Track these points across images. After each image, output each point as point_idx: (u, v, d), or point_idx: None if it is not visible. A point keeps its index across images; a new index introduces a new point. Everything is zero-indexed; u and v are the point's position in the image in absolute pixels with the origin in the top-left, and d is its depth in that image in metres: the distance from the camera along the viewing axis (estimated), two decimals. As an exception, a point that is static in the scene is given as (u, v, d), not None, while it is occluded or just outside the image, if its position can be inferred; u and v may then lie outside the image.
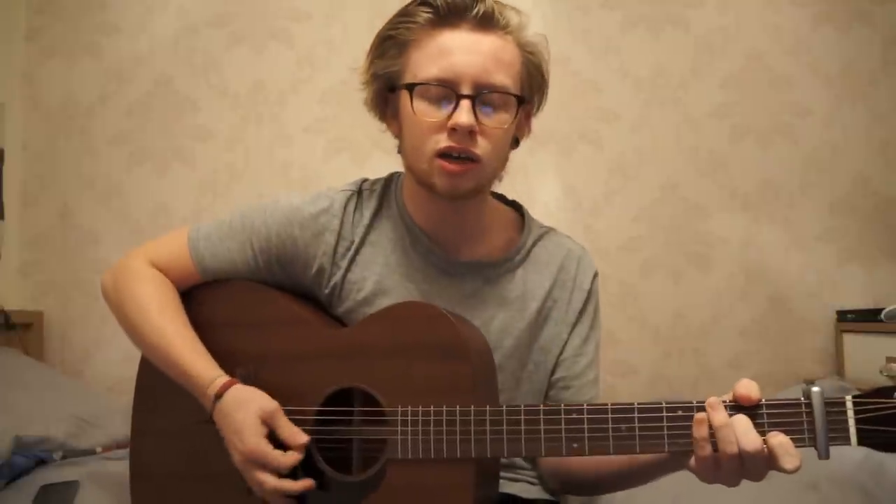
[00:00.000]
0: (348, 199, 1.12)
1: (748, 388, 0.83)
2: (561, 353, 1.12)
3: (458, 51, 0.97)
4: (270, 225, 1.10)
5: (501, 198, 1.19)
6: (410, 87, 0.99)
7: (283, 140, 2.41)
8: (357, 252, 1.10)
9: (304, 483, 0.96)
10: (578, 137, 2.32)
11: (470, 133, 0.97)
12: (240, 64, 2.44)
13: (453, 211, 1.07)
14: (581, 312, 1.14)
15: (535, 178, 2.30)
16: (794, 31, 2.29)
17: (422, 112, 0.98)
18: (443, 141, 0.97)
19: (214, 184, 2.41)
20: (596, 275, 1.17)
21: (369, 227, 1.11)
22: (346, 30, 2.40)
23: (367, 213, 1.11)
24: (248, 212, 1.13)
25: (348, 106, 2.35)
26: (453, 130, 0.96)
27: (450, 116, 0.97)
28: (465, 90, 0.97)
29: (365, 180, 1.16)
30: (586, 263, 1.17)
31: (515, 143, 1.09)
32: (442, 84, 0.97)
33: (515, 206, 1.19)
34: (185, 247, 1.13)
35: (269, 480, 0.95)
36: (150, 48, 2.47)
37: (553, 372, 1.12)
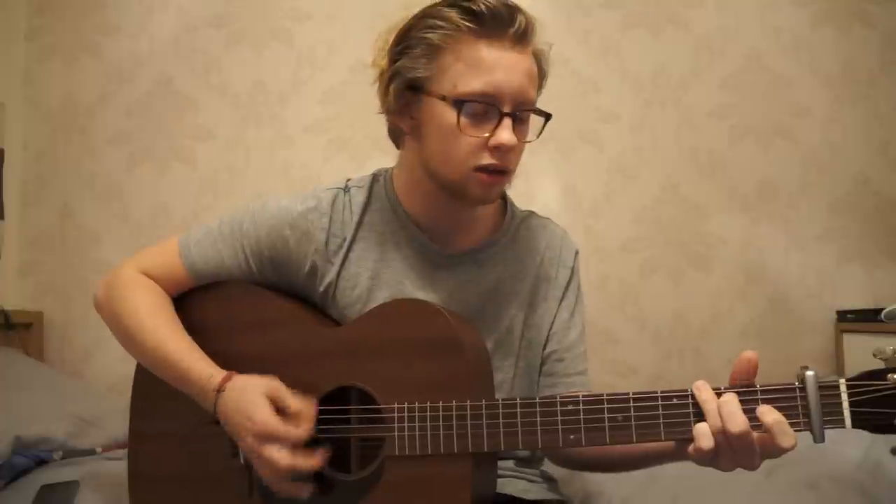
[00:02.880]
0: (335, 197, 1.13)
1: (751, 352, 0.85)
2: (551, 327, 1.15)
3: (501, 68, 0.98)
4: (260, 227, 1.11)
5: None
6: (459, 104, 0.98)
7: (284, 140, 2.41)
8: (349, 249, 1.11)
9: (319, 456, 0.95)
10: (578, 137, 2.32)
11: (511, 149, 1.00)
12: (240, 64, 2.44)
13: (454, 207, 1.08)
14: (567, 287, 1.17)
15: (535, 178, 2.30)
16: (793, 31, 2.29)
17: (466, 128, 0.99)
18: (485, 158, 1.00)
19: (215, 184, 2.41)
20: (577, 253, 1.21)
21: (359, 224, 1.12)
22: (346, 30, 2.40)
23: (357, 210, 1.12)
24: (238, 215, 1.14)
25: (348, 106, 2.36)
26: (496, 148, 0.99)
27: (491, 133, 0.98)
28: (507, 108, 0.99)
29: (349, 179, 1.17)
30: (568, 242, 1.21)
31: None
32: (486, 101, 0.98)
33: None
34: (176, 254, 1.14)
35: (284, 457, 0.93)
36: (150, 48, 2.47)
37: (545, 346, 1.14)
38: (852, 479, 1.31)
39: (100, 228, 2.44)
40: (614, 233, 2.28)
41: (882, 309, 1.98)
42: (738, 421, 0.81)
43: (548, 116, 1.05)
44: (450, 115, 0.99)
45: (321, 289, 1.11)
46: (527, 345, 1.13)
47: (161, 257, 1.15)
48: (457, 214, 1.10)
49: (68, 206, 2.46)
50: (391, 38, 1.05)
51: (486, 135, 0.99)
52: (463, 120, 0.99)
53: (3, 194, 2.40)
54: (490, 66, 0.98)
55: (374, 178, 1.16)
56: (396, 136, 1.12)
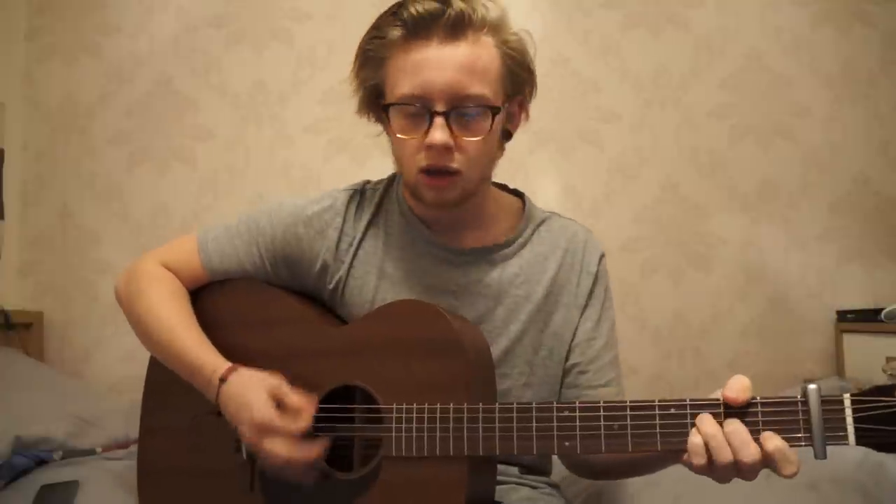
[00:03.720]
0: (350, 198, 1.14)
1: (736, 391, 0.82)
2: (573, 338, 1.11)
3: (429, 66, 0.97)
4: (276, 225, 1.13)
5: (504, 187, 1.20)
6: (385, 108, 1.01)
7: (284, 140, 2.41)
8: (359, 248, 1.11)
9: (318, 447, 0.96)
10: (578, 137, 2.32)
11: (446, 149, 0.97)
12: (240, 64, 2.44)
13: (451, 212, 1.07)
14: (590, 295, 1.13)
15: (535, 178, 2.30)
16: (793, 31, 2.29)
17: (400, 130, 1.00)
18: (422, 159, 0.99)
19: (214, 184, 2.41)
20: (602, 256, 1.17)
21: (370, 224, 1.13)
22: (346, 30, 2.40)
23: (369, 211, 1.13)
24: (255, 214, 1.16)
25: (348, 106, 2.34)
26: (429, 148, 0.97)
27: (426, 134, 0.97)
28: (439, 107, 0.97)
29: (368, 181, 1.18)
30: (592, 245, 1.16)
31: (508, 135, 1.10)
32: (415, 102, 0.98)
33: (518, 194, 1.20)
34: (195, 249, 1.16)
35: (282, 449, 0.94)
36: (150, 48, 2.47)
37: (567, 358, 1.11)
38: (853, 480, 1.30)
39: (100, 228, 2.43)
40: (614, 233, 2.28)
41: (882, 309, 1.99)
42: (750, 451, 0.79)
43: (494, 110, 1.00)
44: (388, 120, 1.01)
45: (330, 287, 1.12)
46: (546, 354, 1.10)
47: (180, 253, 1.17)
48: (458, 211, 1.08)
49: (68, 206, 2.46)
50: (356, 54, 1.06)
51: (419, 137, 0.98)
52: (396, 122, 1.00)
53: (3, 194, 2.40)
54: (417, 67, 0.97)
55: (391, 179, 1.17)
56: None
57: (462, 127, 0.98)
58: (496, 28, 1.00)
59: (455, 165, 0.99)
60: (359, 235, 1.12)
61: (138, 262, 1.18)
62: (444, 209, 1.04)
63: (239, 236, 1.14)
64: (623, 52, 2.33)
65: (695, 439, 0.82)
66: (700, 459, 0.81)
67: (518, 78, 1.04)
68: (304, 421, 0.96)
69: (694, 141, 2.29)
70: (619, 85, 2.33)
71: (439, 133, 0.96)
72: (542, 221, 1.16)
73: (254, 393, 0.97)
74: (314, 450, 0.96)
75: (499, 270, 1.11)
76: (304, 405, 0.97)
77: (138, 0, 2.49)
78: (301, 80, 2.42)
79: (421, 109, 0.97)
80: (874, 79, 2.25)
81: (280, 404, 0.97)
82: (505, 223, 1.14)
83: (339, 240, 1.11)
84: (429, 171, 0.99)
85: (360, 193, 1.15)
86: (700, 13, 2.32)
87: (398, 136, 1.00)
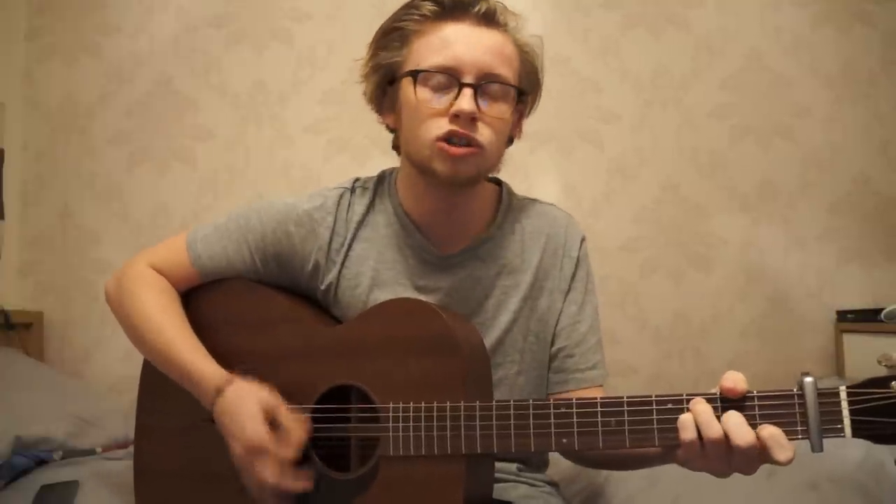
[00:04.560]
0: (341, 196, 1.13)
1: (734, 381, 0.82)
2: (558, 322, 1.13)
3: (461, 42, 1.00)
4: (266, 223, 1.12)
5: None
6: (414, 74, 1.01)
7: (284, 140, 2.41)
8: (350, 248, 1.11)
9: (304, 482, 0.95)
10: (578, 137, 2.32)
11: (472, 119, 0.99)
12: (240, 64, 2.44)
13: (449, 202, 1.08)
14: (573, 279, 1.15)
15: (535, 178, 2.30)
16: (793, 31, 2.29)
17: (424, 99, 1.00)
18: (444, 126, 0.99)
19: (214, 184, 2.41)
20: (583, 239, 1.18)
21: (361, 223, 1.12)
22: (346, 30, 2.40)
23: (360, 210, 1.13)
24: (245, 212, 1.15)
25: (349, 106, 2.36)
26: (455, 116, 0.98)
27: (452, 103, 0.99)
28: (468, 79, 0.99)
29: (357, 179, 1.17)
30: (573, 230, 1.18)
31: (509, 141, 1.11)
32: (445, 72, 0.99)
33: (496, 182, 1.20)
34: (184, 250, 1.15)
35: (271, 474, 0.94)
36: (150, 48, 2.47)
37: (553, 343, 1.13)
38: (854, 480, 1.30)
39: (100, 228, 2.43)
40: (614, 233, 2.28)
41: (882, 309, 1.99)
42: (744, 434, 0.78)
43: (520, 91, 1.05)
44: (412, 89, 1.01)
45: (323, 287, 1.12)
46: (534, 339, 1.12)
47: (170, 253, 1.16)
48: (452, 212, 1.09)
49: (68, 206, 2.46)
50: (375, 37, 1.08)
51: (444, 105, 0.99)
52: (421, 91, 1.00)
53: (3, 194, 2.40)
54: (451, 41, 1.01)
55: (380, 178, 1.17)
56: (395, 140, 1.12)
57: (486, 104, 1.01)
58: (516, 32, 1.06)
59: (479, 138, 1.00)
60: (350, 235, 1.11)
61: (128, 264, 1.17)
62: (454, 185, 1.04)
63: (228, 235, 1.14)
64: (623, 52, 2.33)
65: (684, 416, 0.83)
66: (688, 434, 0.81)
67: (529, 80, 1.08)
68: (296, 447, 0.95)
69: (694, 141, 2.29)
70: (619, 85, 2.33)
71: (467, 101, 0.98)
72: (524, 208, 1.17)
73: (248, 410, 0.96)
74: (301, 482, 0.95)
75: (487, 265, 1.12)
76: (297, 427, 0.96)
77: (138, 0, 2.49)
78: (301, 80, 2.42)
79: (450, 80, 1.00)
80: (874, 79, 2.25)
81: (274, 423, 0.96)
82: (485, 214, 1.14)
83: (331, 240, 1.11)
84: (450, 140, 0.99)
85: (350, 192, 1.14)
86: (700, 13, 2.32)
87: (421, 103, 1.00)
